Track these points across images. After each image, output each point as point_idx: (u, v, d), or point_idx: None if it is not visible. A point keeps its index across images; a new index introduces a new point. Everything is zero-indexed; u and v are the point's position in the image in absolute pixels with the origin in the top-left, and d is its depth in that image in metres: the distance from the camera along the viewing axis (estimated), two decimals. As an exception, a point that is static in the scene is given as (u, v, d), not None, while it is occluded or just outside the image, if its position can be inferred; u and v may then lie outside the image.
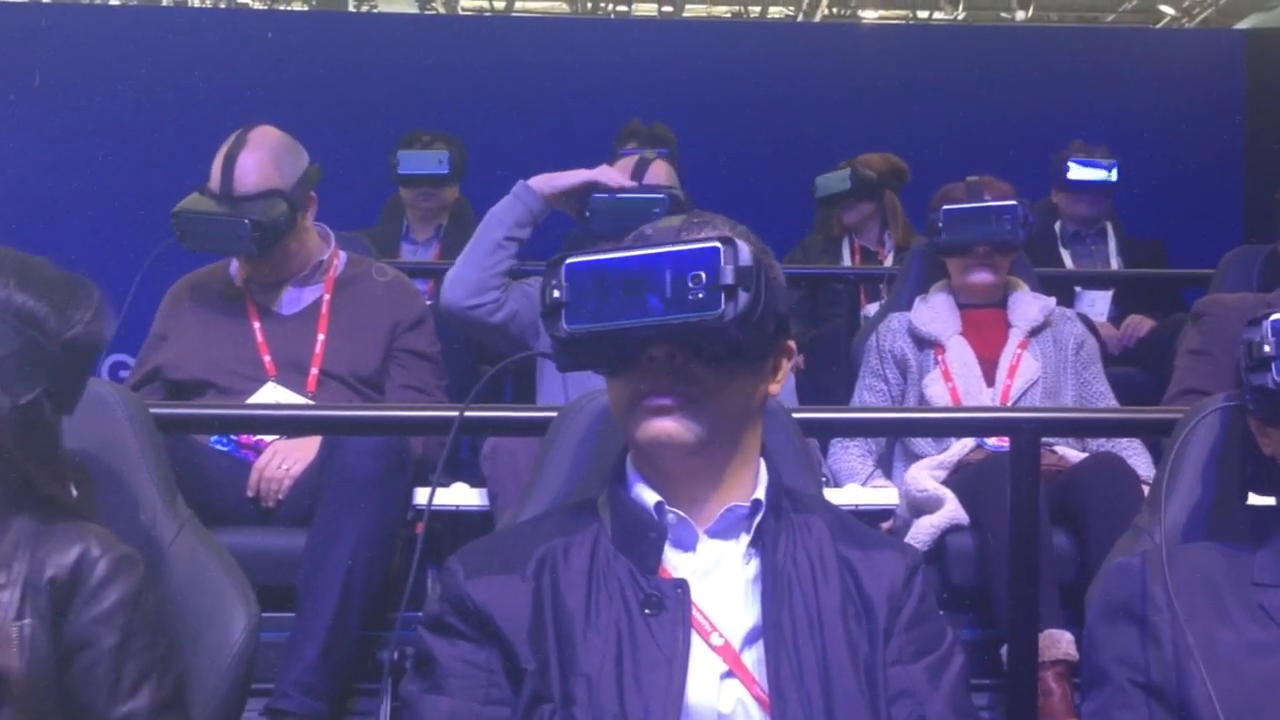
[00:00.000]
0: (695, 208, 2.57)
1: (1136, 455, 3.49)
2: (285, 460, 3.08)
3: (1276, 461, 1.79)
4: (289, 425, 3.01)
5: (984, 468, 3.25)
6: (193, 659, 1.78)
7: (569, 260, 1.58)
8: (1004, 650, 2.73)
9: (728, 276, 1.53)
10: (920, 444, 3.52)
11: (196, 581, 1.83)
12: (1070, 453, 3.44)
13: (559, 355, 1.64)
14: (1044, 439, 3.30)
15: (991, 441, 3.40)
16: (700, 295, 1.53)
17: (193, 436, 3.05)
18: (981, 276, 3.69)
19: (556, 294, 1.57)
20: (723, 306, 1.53)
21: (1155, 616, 1.70)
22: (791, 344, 1.71)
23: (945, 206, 3.68)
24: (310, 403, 3.17)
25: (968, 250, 3.68)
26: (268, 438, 3.14)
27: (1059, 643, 2.99)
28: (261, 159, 3.22)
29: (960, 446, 3.45)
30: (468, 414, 1.99)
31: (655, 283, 1.54)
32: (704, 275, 1.53)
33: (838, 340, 4.61)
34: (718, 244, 1.55)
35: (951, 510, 3.21)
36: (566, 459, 1.89)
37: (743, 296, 1.53)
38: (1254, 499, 1.87)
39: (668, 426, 1.60)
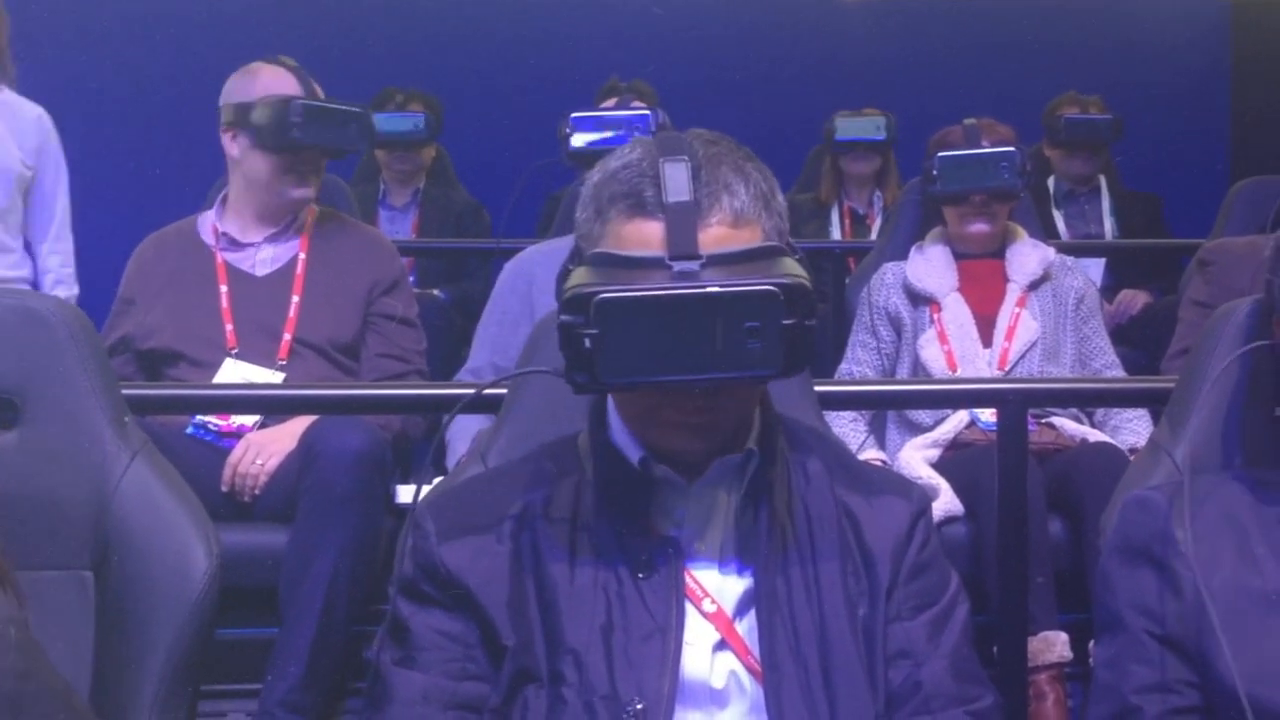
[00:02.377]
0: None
1: (1138, 421, 3.39)
2: (260, 454, 2.95)
3: None
4: (257, 406, 2.92)
5: (980, 455, 3.14)
6: (149, 605, 1.66)
7: (601, 296, 1.35)
8: (996, 648, 2.64)
9: (789, 333, 1.36)
10: (915, 410, 3.42)
11: (151, 518, 1.70)
12: (1069, 425, 3.33)
13: (575, 385, 1.45)
14: (1042, 411, 3.24)
15: (985, 417, 3.29)
16: (756, 350, 1.36)
17: (164, 426, 2.93)
18: (979, 226, 3.58)
19: (586, 342, 1.37)
20: (781, 364, 1.37)
21: (1176, 562, 1.58)
22: None
23: (940, 153, 3.56)
24: (277, 380, 3.04)
25: (964, 199, 3.56)
26: (248, 421, 3.03)
27: (1054, 645, 2.91)
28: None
29: (954, 422, 3.34)
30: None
31: (703, 331, 1.35)
32: (760, 326, 1.35)
33: (825, 315, 4.52)
34: (777, 290, 1.36)
35: (946, 501, 3.10)
36: (541, 393, 1.76)
37: (799, 340, 1.37)
38: None
39: (690, 435, 1.48)
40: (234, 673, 2.76)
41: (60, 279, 3.74)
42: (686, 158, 1.43)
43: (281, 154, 3.14)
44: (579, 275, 1.41)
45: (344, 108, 3.19)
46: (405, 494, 2.94)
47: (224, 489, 2.92)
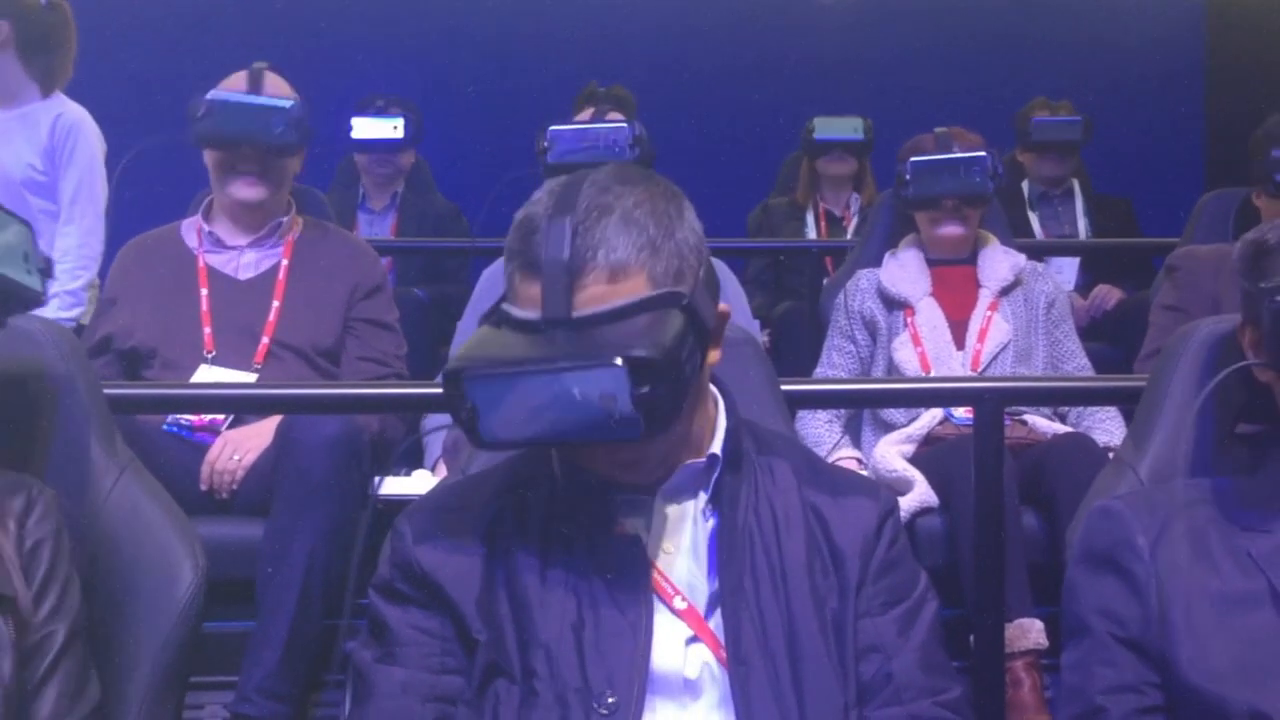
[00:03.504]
0: (654, 169, 2.47)
1: (1111, 421, 3.43)
2: (237, 450, 2.96)
3: (1271, 390, 1.71)
4: (251, 405, 2.92)
5: (953, 448, 3.17)
6: (135, 616, 1.69)
7: (467, 377, 1.41)
8: (973, 638, 2.67)
9: (643, 401, 1.37)
10: (888, 410, 3.46)
11: (138, 532, 1.73)
12: (1041, 422, 3.37)
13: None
14: (1014, 409, 3.27)
15: (959, 413, 3.34)
16: (615, 418, 1.39)
17: (142, 422, 2.94)
18: (950, 230, 3.62)
19: (463, 414, 1.42)
20: (641, 429, 1.39)
21: (1137, 567, 1.62)
22: (724, 307, 1.57)
23: (912, 159, 3.61)
24: (253, 381, 3.06)
25: (936, 203, 3.61)
26: (220, 416, 3.04)
27: (1029, 632, 2.93)
28: (283, 84, 3.22)
29: (928, 418, 3.38)
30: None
31: (566, 400, 1.39)
32: (615, 398, 1.38)
33: (802, 316, 4.55)
34: (621, 366, 1.36)
35: (921, 493, 3.13)
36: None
37: (663, 399, 1.39)
38: (1245, 428, 1.79)
39: (620, 475, 1.53)
40: (213, 665, 2.76)
41: (73, 260, 3.81)
42: (569, 215, 1.45)
43: (214, 151, 3.20)
44: (475, 339, 1.47)
45: (266, 103, 3.16)
46: (384, 486, 2.94)
47: (203, 487, 2.94)
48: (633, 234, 1.46)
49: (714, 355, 1.56)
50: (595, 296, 1.43)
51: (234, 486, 2.94)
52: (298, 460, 2.78)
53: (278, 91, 3.21)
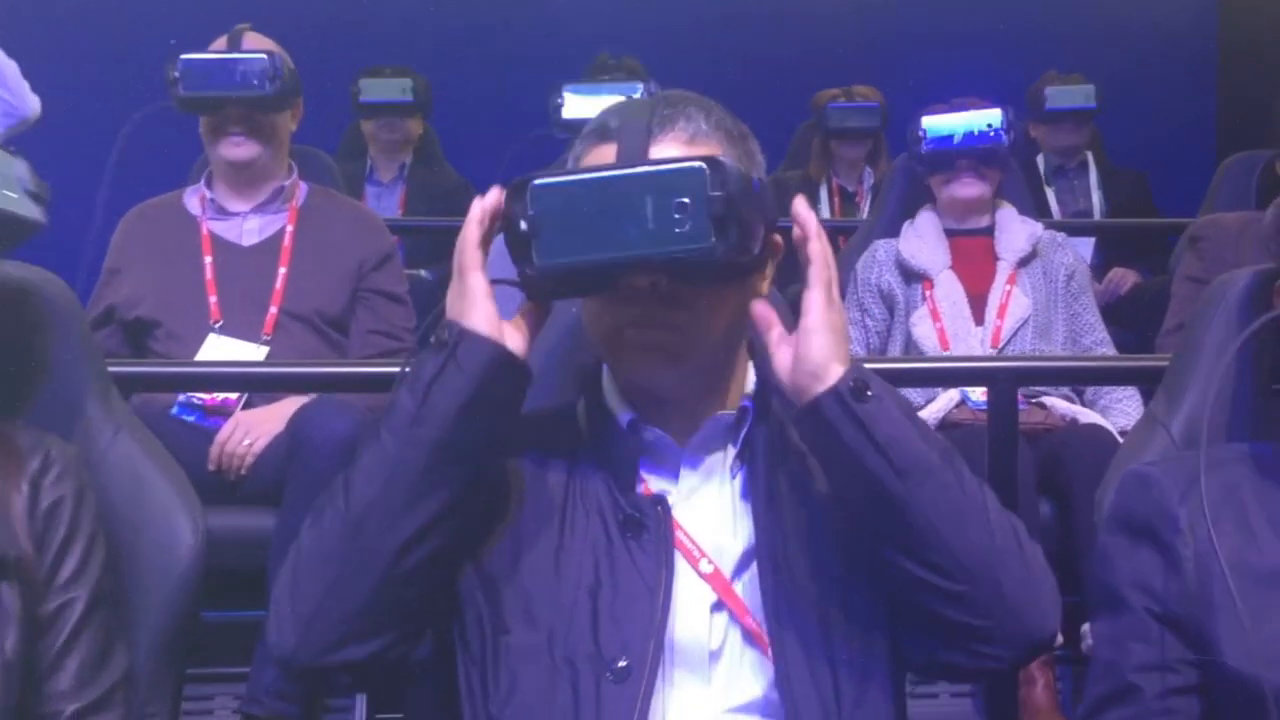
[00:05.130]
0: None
1: (1129, 400, 3.38)
2: (248, 434, 2.90)
3: None
4: (247, 383, 2.88)
5: (969, 437, 3.11)
6: (136, 576, 1.65)
7: (536, 181, 1.38)
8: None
9: (716, 205, 1.34)
10: (905, 392, 3.39)
11: (136, 490, 1.69)
12: (1060, 404, 3.32)
13: (528, 286, 1.46)
14: (1032, 389, 3.22)
15: (976, 396, 3.28)
16: (686, 227, 1.35)
17: (152, 409, 2.89)
18: (966, 188, 3.57)
19: (524, 224, 1.38)
20: (712, 241, 1.35)
21: (1176, 540, 1.56)
22: (778, 239, 1.53)
23: (925, 116, 3.57)
24: (260, 360, 3.01)
25: (950, 162, 3.56)
26: (234, 396, 2.99)
27: None
28: (266, 41, 3.21)
29: (944, 401, 3.33)
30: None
31: (635, 210, 1.36)
32: (688, 202, 1.35)
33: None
34: (702, 165, 1.35)
35: None
36: (536, 358, 1.72)
37: (733, 225, 1.36)
38: None
39: (656, 367, 1.46)
40: (220, 656, 2.74)
41: None
42: (652, 92, 1.46)
43: (198, 113, 3.19)
44: None
45: (240, 58, 3.15)
46: None
47: (210, 467, 2.88)
48: (713, 117, 1.49)
49: (764, 285, 1.53)
50: (670, 152, 1.44)
51: (243, 471, 2.89)
52: (309, 459, 2.73)
53: (257, 47, 3.19)
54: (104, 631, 1.57)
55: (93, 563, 1.57)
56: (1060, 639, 2.80)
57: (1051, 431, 3.22)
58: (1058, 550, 2.97)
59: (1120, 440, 3.02)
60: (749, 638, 1.46)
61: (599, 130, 1.49)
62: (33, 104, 4.06)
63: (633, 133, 1.45)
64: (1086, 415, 3.30)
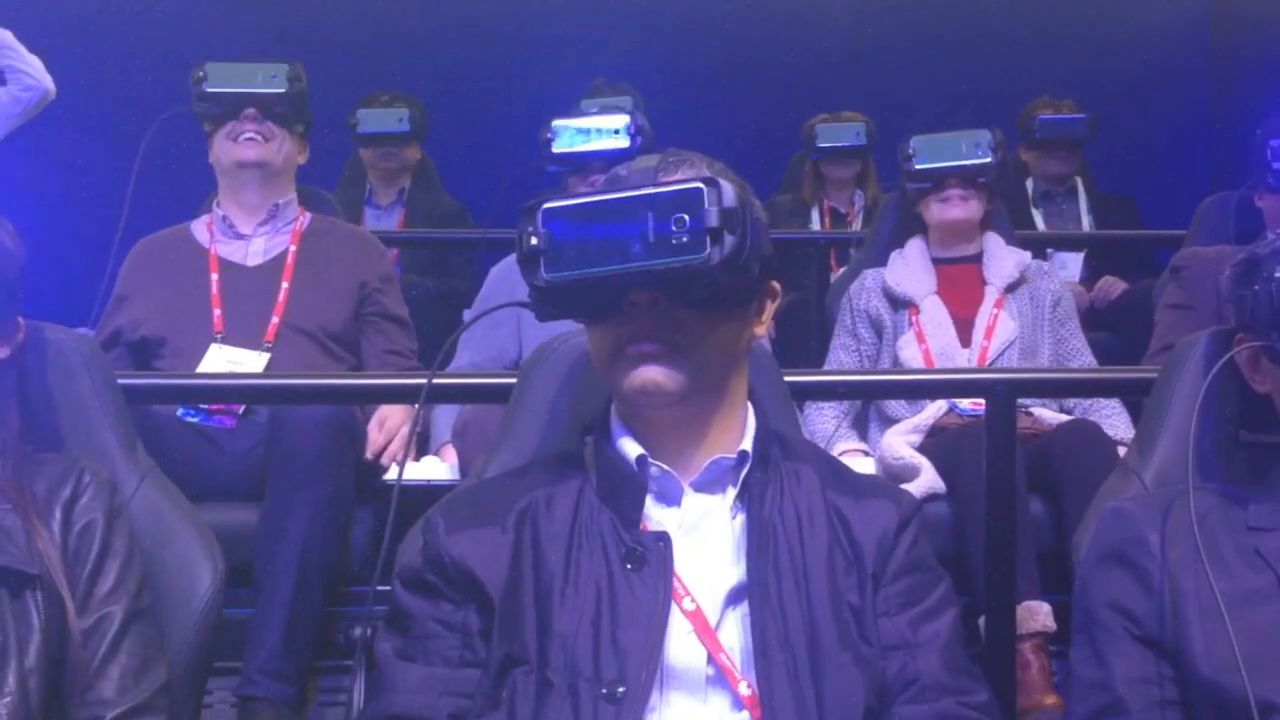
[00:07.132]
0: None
1: (1116, 415, 3.44)
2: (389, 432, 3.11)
3: (1271, 399, 1.72)
4: (244, 395, 2.92)
5: (960, 435, 3.19)
6: (158, 615, 1.72)
7: (546, 205, 1.52)
8: (981, 621, 2.69)
9: (712, 219, 1.47)
10: (894, 406, 3.47)
11: (159, 535, 1.77)
12: (1047, 414, 3.38)
13: (538, 304, 1.56)
14: (1020, 401, 3.28)
15: (965, 405, 3.35)
16: (684, 239, 1.47)
17: (156, 411, 2.95)
18: (955, 210, 3.62)
19: (534, 241, 1.51)
20: (708, 251, 1.47)
21: (1150, 563, 1.63)
22: (775, 285, 1.65)
23: (915, 136, 3.64)
24: (260, 367, 3.08)
25: (940, 181, 3.62)
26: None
27: (1037, 614, 2.94)
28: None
29: (934, 409, 3.39)
30: (435, 380, 1.89)
31: (636, 227, 1.48)
32: (687, 218, 1.47)
33: (808, 307, 4.56)
34: (700, 185, 1.48)
35: (928, 479, 3.14)
36: (543, 406, 1.81)
37: (728, 239, 1.47)
38: (1246, 437, 1.80)
39: (652, 374, 1.54)
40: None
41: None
42: (658, 154, 1.60)
43: (211, 118, 3.30)
44: None
45: (257, 63, 3.31)
46: (391, 473, 3.05)
47: (370, 456, 3.06)
48: (716, 166, 1.61)
49: (760, 329, 1.64)
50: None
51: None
52: (289, 442, 2.81)
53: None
54: (143, 642, 1.66)
55: (128, 580, 1.67)
56: (1054, 626, 2.88)
57: (1039, 435, 3.28)
58: (1049, 547, 3.03)
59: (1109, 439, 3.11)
60: (724, 676, 1.52)
61: (611, 180, 1.60)
62: (50, 82, 4.28)
63: (641, 175, 1.57)
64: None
